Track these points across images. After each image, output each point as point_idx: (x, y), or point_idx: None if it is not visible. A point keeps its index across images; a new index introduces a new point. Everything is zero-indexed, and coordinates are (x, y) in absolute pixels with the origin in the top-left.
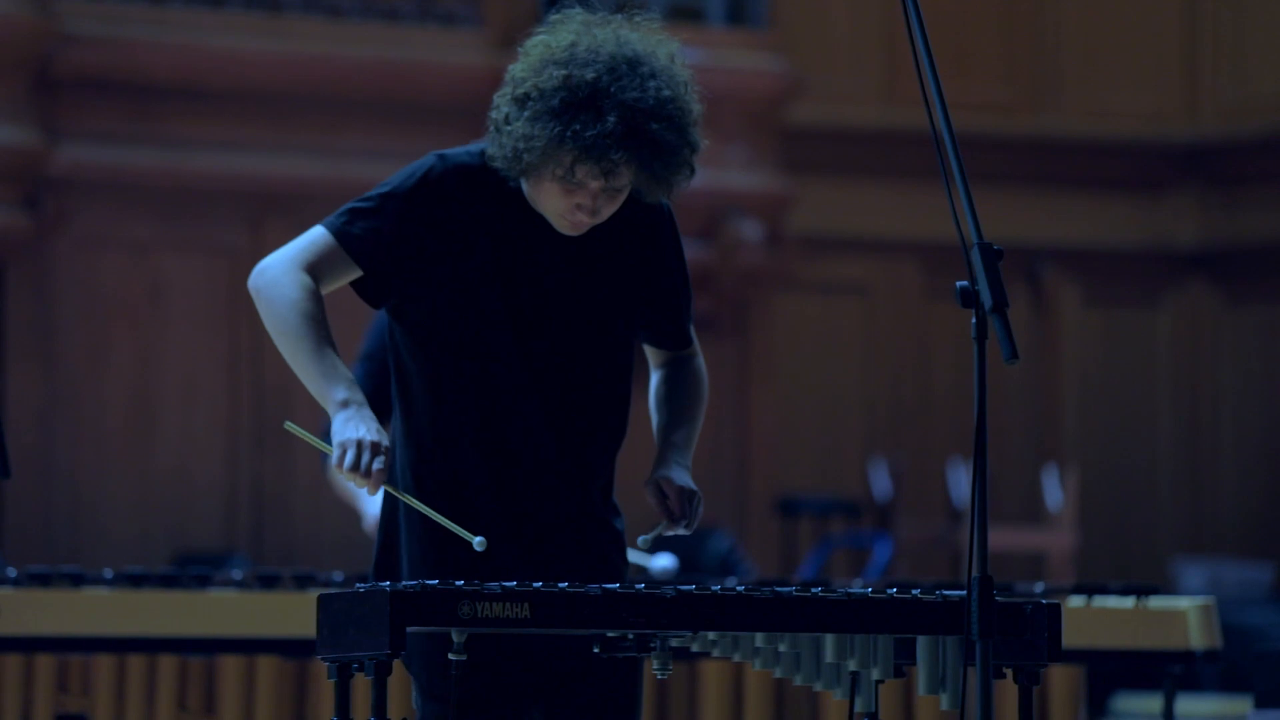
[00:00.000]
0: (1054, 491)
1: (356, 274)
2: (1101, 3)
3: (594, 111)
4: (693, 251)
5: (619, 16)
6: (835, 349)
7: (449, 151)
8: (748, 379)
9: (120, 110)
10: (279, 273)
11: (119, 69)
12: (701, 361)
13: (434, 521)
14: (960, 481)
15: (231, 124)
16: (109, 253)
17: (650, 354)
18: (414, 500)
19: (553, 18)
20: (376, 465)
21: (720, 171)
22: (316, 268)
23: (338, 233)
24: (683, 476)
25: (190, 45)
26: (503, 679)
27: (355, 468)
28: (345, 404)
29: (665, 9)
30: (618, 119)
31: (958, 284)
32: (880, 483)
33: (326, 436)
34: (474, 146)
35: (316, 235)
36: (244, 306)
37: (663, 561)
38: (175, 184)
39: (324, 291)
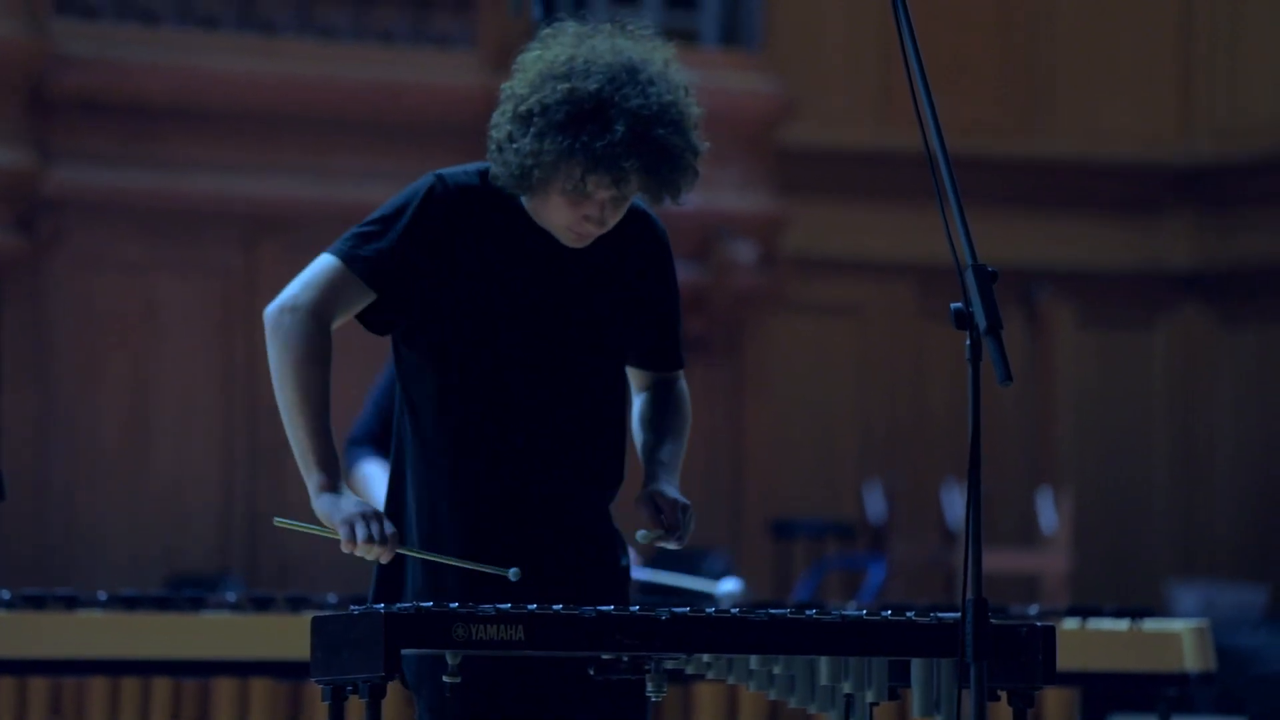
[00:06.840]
0: (1049, 513)
1: (369, 299)
2: (1096, 24)
3: (601, 122)
4: (686, 273)
5: (609, 26)
6: (830, 370)
7: (447, 171)
8: (742, 400)
9: (114, 131)
10: (294, 323)
11: (113, 90)
12: (685, 385)
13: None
14: (955, 503)
15: (226, 145)
16: (104, 273)
17: (635, 377)
18: (430, 554)
19: (544, 32)
20: (389, 529)
21: (714, 192)
22: (330, 301)
23: (346, 258)
24: (673, 491)
25: (184, 66)
26: (504, 701)
27: (370, 539)
28: (330, 487)
29: (658, 29)
30: (625, 127)
31: (952, 306)
32: (875, 504)
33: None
34: (471, 167)
35: (325, 264)
36: (239, 327)
37: (728, 586)
38: (170, 205)
39: (338, 324)
